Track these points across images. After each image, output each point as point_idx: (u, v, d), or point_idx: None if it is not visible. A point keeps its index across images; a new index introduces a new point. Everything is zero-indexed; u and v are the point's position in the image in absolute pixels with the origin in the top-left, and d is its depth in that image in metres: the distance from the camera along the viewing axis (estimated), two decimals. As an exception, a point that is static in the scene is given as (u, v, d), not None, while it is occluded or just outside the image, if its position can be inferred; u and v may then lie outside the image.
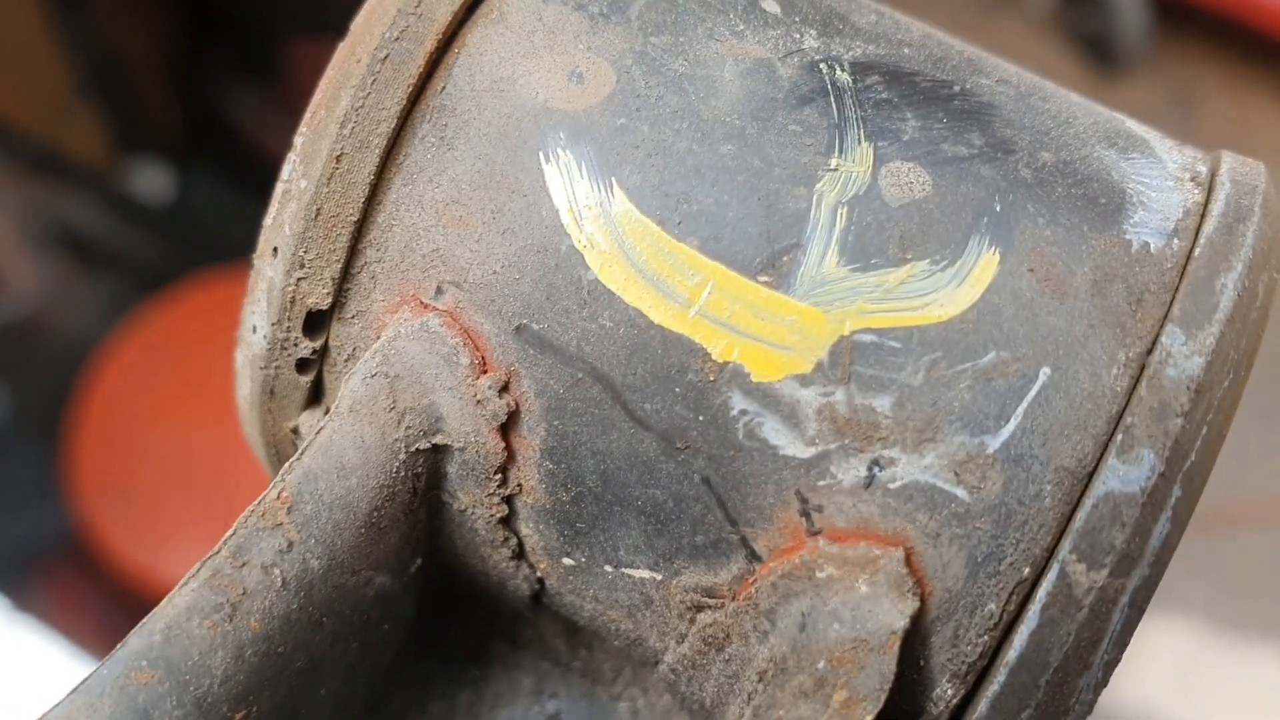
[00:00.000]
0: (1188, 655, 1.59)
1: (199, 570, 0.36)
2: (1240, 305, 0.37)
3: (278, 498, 0.37)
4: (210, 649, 0.36)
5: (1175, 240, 0.38)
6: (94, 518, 1.47)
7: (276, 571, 0.37)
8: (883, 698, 0.35)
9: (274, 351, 0.41)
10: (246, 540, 0.37)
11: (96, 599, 1.52)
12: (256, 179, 0.74)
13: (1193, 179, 0.39)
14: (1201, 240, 0.38)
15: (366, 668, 0.43)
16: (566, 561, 0.41)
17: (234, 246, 0.88)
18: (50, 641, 1.11)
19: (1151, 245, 0.38)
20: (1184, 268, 0.37)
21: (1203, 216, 0.38)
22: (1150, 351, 0.36)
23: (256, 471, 0.47)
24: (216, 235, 1.75)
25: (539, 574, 0.42)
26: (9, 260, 1.78)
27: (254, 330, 0.41)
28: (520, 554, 0.41)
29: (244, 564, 0.36)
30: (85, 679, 0.35)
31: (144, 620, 0.36)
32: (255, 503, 0.37)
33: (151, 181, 1.80)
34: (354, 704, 0.43)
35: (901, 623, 0.36)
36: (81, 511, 1.48)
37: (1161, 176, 0.39)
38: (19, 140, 1.77)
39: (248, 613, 0.36)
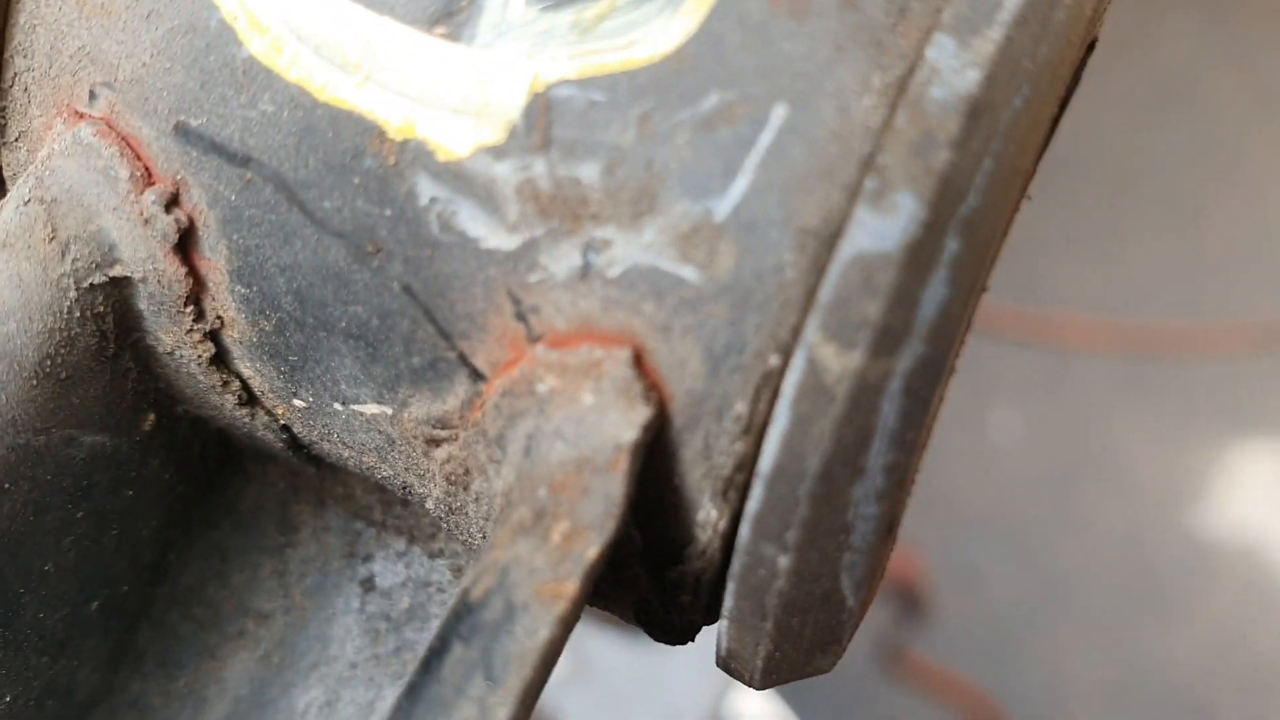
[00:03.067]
0: (1277, 474, 1.48)
1: None
2: (1037, 2, 0.29)
3: None
4: None
5: None
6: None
7: None
8: (611, 526, 0.29)
9: None
10: None
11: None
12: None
13: None
14: None
15: (116, 539, 0.38)
16: (298, 403, 0.35)
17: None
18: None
19: None
20: None
21: None
22: (912, 72, 0.28)
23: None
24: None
25: (281, 421, 0.36)
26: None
27: None
28: (251, 399, 0.36)
29: None
30: None
31: None
32: (-110, 358, 0.32)
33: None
34: (115, 580, 0.38)
35: (630, 434, 0.29)
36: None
37: None
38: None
39: None
